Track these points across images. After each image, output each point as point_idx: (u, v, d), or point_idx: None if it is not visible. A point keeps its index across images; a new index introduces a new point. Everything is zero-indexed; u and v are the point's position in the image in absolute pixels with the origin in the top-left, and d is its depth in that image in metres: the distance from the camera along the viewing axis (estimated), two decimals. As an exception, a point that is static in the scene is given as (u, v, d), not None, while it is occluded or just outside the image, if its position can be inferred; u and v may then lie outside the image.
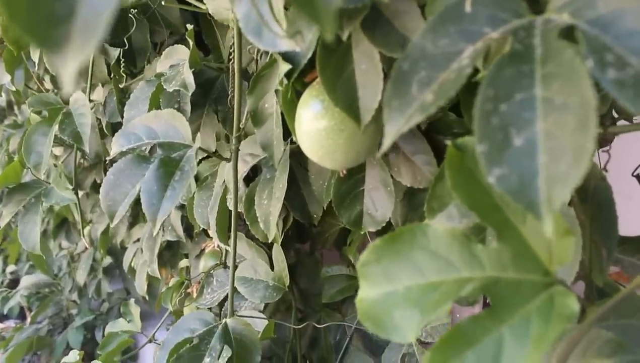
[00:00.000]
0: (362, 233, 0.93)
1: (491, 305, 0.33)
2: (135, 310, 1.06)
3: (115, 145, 0.63)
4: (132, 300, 1.08)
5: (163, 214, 0.54)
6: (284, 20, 0.38)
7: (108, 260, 1.67)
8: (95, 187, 1.50)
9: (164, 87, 0.63)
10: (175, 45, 0.74)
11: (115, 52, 0.89)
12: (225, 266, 1.04)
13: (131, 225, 1.43)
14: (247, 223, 0.70)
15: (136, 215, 1.48)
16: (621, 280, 0.55)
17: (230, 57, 0.61)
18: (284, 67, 0.47)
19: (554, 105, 0.27)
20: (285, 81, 0.49)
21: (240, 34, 0.55)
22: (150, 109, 0.67)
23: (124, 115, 0.71)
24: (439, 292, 0.35)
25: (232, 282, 0.69)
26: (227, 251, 1.05)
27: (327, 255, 1.18)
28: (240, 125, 0.61)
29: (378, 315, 0.36)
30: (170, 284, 1.04)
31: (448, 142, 0.37)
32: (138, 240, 1.38)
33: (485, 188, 0.37)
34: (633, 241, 0.53)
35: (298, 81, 0.50)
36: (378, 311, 0.36)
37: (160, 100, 0.74)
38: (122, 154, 0.61)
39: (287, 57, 0.47)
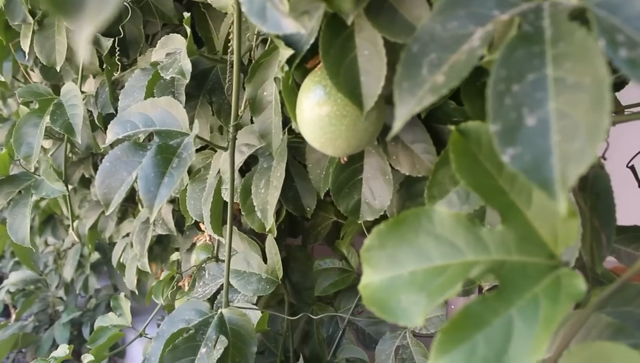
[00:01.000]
0: (355, 226, 0.93)
1: (499, 288, 0.33)
2: (125, 304, 1.05)
3: (111, 133, 0.62)
4: (122, 294, 1.07)
5: (160, 201, 0.53)
6: (287, 3, 0.37)
7: (96, 255, 1.65)
8: (84, 181, 1.48)
9: (161, 74, 0.63)
10: (171, 34, 0.73)
11: (107, 43, 0.88)
12: (217, 259, 1.03)
13: (120, 220, 1.41)
14: (243, 213, 0.69)
15: (125, 210, 1.47)
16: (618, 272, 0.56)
17: (229, 45, 0.60)
18: (286, 52, 0.47)
19: (566, 84, 0.27)
20: (286, 68, 0.48)
21: (240, 21, 0.55)
22: (146, 98, 0.66)
23: (119, 103, 0.70)
24: (445, 275, 0.35)
25: (227, 272, 0.69)
26: (219, 244, 1.04)
27: (317, 249, 1.18)
28: (240, 113, 0.60)
29: (383, 300, 0.36)
30: (161, 278, 1.03)
31: (451, 127, 0.37)
32: (127, 235, 1.36)
33: (489, 171, 0.37)
34: (629, 231, 0.54)
35: (299, 68, 0.50)
36: (383, 296, 0.36)
37: (155, 91, 0.74)
38: (118, 141, 0.60)
39: (289, 42, 0.47)
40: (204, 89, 0.81)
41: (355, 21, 0.44)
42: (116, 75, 0.95)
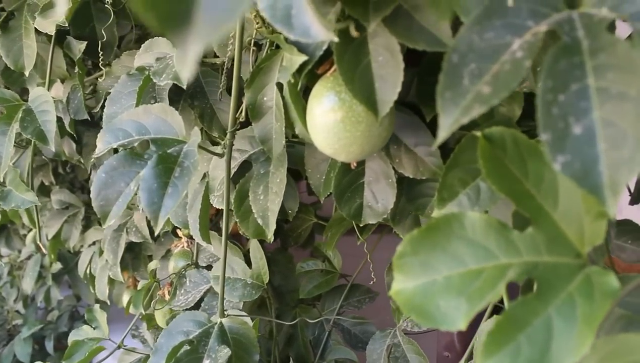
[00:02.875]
0: (339, 228, 0.94)
1: (537, 288, 0.34)
2: (101, 315, 1.01)
3: (101, 142, 0.60)
4: (96, 306, 1.03)
5: (165, 212, 0.51)
6: (313, 7, 0.37)
7: (57, 266, 1.58)
8: (42, 189, 1.41)
9: (154, 80, 0.61)
10: (156, 37, 0.71)
11: (80, 46, 0.84)
12: (197, 266, 1.01)
13: (84, 228, 1.36)
14: (237, 220, 0.68)
15: (88, 217, 1.41)
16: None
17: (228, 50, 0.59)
18: (299, 59, 0.46)
19: (610, 94, 0.29)
20: (296, 74, 0.48)
21: (243, 25, 0.54)
22: (137, 104, 0.64)
23: (105, 110, 0.67)
24: (481, 279, 0.36)
25: (222, 280, 0.67)
26: (198, 250, 1.02)
27: (295, 251, 1.18)
28: (241, 119, 0.59)
29: (422, 306, 0.36)
30: (139, 287, 1.00)
31: (477, 133, 0.38)
32: (94, 243, 1.31)
33: (515, 176, 0.38)
34: (620, 224, 0.57)
35: (307, 73, 0.50)
36: (420, 302, 0.36)
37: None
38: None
39: (301, 47, 0.47)
40: (185, 93, 0.79)
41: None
42: (87, 78, 0.91)
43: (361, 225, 0.61)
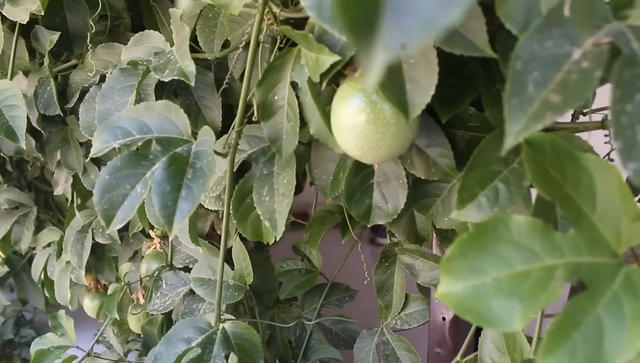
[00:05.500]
0: (322, 227, 0.93)
1: (587, 288, 0.36)
2: (67, 322, 0.96)
3: (98, 141, 0.57)
4: (62, 312, 0.97)
5: (181, 216, 0.49)
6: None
7: (4, 269, 1.47)
8: (-13, 188, 1.31)
9: (156, 76, 0.58)
10: (147, 30, 0.68)
11: (52, 37, 0.79)
12: (172, 267, 0.98)
13: (37, 229, 1.28)
14: (234, 221, 0.66)
15: (38, 217, 1.33)
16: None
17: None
18: (330, 58, 0.46)
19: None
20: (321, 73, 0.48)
21: (260, 22, 0.52)
22: (136, 100, 0.61)
23: (97, 107, 0.63)
24: (530, 280, 0.37)
25: (219, 284, 0.65)
26: (172, 251, 0.99)
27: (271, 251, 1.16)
28: (253, 118, 0.58)
29: (474, 308, 0.37)
30: (110, 291, 0.95)
31: (522, 140, 0.39)
32: (49, 245, 1.24)
33: (556, 179, 0.40)
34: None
35: (327, 74, 0.49)
36: (472, 304, 0.37)
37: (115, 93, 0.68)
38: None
39: (329, 47, 0.46)
40: (166, 88, 0.76)
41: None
42: (54, 70, 0.85)
43: (369, 226, 0.61)
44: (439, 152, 0.55)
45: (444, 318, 0.76)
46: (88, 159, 0.67)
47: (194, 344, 0.60)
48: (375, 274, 0.82)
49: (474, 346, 0.71)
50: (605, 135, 0.54)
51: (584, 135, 0.50)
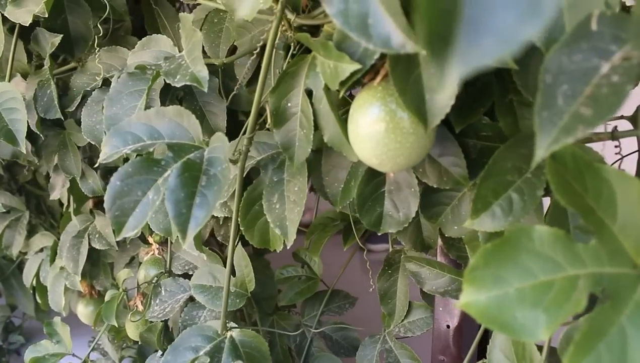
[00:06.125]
0: (324, 234, 0.93)
1: (611, 298, 0.36)
2: (63, 329, 0.94)
3: (108, 146, 0.56)
4: (57, 318, 0.96)
5: (196, 224, 0.48)
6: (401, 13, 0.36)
7: (-8, 275, 1.45)
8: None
9: (167, 81, 0.57)
10: (154, 34, 0.67)
11: (54, 39, 0.78)
12: (171, 274, 0.97)
13: (30, 233, 1.26)
14: (242, 228, 0.66)
15: (30, 221, 1.31)
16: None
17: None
18: (350, 66, 0.46)
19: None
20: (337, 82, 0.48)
21: (277, 29, 0.52)
22: (145, 105, 0.60)
23: (105, 112, 0.62)
24: (554, 290, 0.37)
25: (226, 293, 0.65)
26: (171, 257, 0.98)
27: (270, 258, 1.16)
28: (267, 126, 0.57)
29: (498, 318, 0.37)
30: (108, 297, 0.94)
31: (542, 157, 0.39)
32: (41, 250, 1.22)
33: (577, 191, 0.40)
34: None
35: (346, 82, 0.49)
36: (496, 314, 0.37)
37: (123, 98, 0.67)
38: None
39: (351, 54, 0.46)
40: (170, 94, 0.76)
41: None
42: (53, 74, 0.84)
43: (379, 234, 0.61)
44: (452, 161, 0.56)
45: (448, 326, 0.76)
46: (97, 165, 0.66)
47: (201, 353, 0.59)
48: (379, 282, 0.82)
49: (478, 354, 0.71)
50: (616, 146, 0.55)
51: (598, 146, 0.50)
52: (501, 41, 0.16)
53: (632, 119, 0.61)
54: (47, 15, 0.75)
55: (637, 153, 0.62)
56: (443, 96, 0.45)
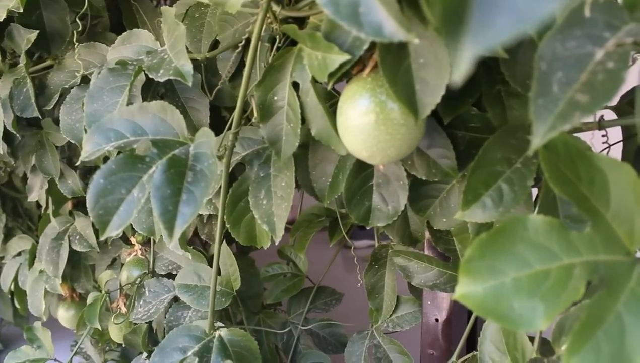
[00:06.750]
0: (310, 230, 0.92)
1: (607, 285, 0.36)
2: (44, 334, 0.91)
3: (90, 144, 0.54)
4: (38, 323, 0.93)
5: (183, 221, 0.47)
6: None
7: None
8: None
9: (150, 76, 0.56)
10: (135, 29, 0.65)
11: (30, 35, 0.75)
12: (155, 274, 0.95)
13: (6, 237, 1.22)
14: (228, 225, 0.65)
15: (5, 225, 1.27)
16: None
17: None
18: (339, 57, 0.45)
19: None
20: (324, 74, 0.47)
21: (262, 21, 0.51)
22: (128, 101, 0.58)
23: (85, 109, 0.60)
24: (550, 280, 0.37)
25: (213, 292, 0.64)
26: (154, 258, 0.96)
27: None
28: (254, 120, 0.56)
29: (495, 308, 0.36)
30: (90, 300, 0.92)
31: (539, 144, 0.39)
32: (19, 253, 1.18)
33: (570, 179, 0.40)
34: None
35: (334, 74, 0.48)
36: (493, 304, 0.37)
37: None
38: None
39: (340, 45, 0.46)
40: (151, 90, 0.74)
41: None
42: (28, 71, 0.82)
43: (368, 228, 0.61)
44: (440, 153, 0.55)
45: (436, 320, 0.76)
46: (77, 164, 0.64)
47: (189, 353, 0.58)
48: (366, 277, 0.81)
49: (468, 347, 0.71)
50: (603, 135, 0.55)
51: (587, 136, 0.50)
52: (517, 19, 0.16)
53: (616, 109, 0.61)
54: (21, 11, 0.72)
55: (621, 142, 0.62)
56: (457, 76, 0.44)
